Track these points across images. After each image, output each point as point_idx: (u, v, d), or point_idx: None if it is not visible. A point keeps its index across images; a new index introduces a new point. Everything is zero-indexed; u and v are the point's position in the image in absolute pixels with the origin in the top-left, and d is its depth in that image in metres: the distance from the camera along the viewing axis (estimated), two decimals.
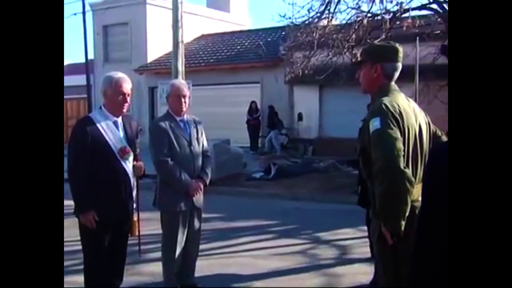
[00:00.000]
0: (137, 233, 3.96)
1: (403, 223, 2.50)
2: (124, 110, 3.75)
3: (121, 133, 3.71)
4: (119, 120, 3.73)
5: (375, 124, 2.60)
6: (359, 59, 3.03)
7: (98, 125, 3.60)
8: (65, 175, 3.49)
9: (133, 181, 3.76)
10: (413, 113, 2.81)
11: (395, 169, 2.49)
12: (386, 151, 2.53)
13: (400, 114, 2.66)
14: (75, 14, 22.01)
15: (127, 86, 3.69)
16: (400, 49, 2.88)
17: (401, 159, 2.52)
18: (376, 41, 7.49)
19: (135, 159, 3.76)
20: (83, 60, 19.43)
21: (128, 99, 3.72)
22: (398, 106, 2.69)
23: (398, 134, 2.59)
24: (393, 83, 2.88)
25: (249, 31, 22.25)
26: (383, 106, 2.65)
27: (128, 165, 3.70)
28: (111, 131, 3.64)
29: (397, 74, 2.88)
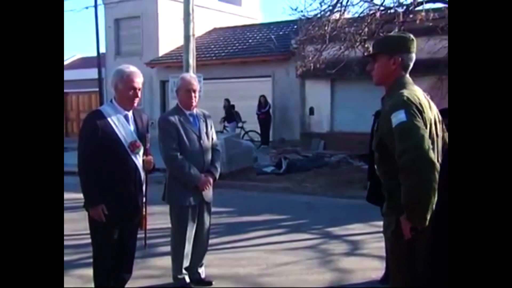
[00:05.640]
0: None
1: (429, 216, 2.45)
2: (135, 104, 3.71)
3: (132, 127, 3.67)
4: (130, 114, 3.70)
5: (400, 116, 2.53)
6: (373, 51, 2.90)
7: (108, 118, 3.57)
8: (75, 169, 3.52)
9: (143, 175, 3.73)
10: (430, 107, 2.75)
11: (427, 160, 2.44)
12: (416, 142, 2.48)
13: (421, 106, 2.61)
14: (87, 7, 22.16)
15: (138, 81, 3.64)
16: (415, 39, 2.82)
17: (431, 151, 2.48)
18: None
19: (145, 153, 3.73)
20: (94, 54, 19.48)
21: (139, 93, 3.67)
22: (418, 98, 2.64)
23: (424, 126, 2.54)
24: (408, 75, 2.82)
25: (260, 24, 22.15)
26: (405, 98, 2.59)
27: (138, 159, 3.67)
28: (121, 125, 3.61)
29: (411, 65, 2.83)
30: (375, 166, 2.90)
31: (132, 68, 3.66)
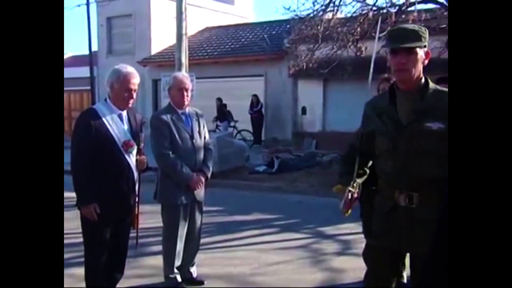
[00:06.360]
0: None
1: None
2: (130, 105, 3.70)
3: (126, 126, 3.66)
4: (124, 113, 3.69)
5: None
6: (403, 41, 2.48)
7: (102, 117, 3.56)
8: (68, 167, 3.50)
9: (136, 174, 3.73)
10: None
11: None
12: None
13: None
14: (79, 5, 22.06)
15: (135, 82, 3.62)
16: None
17: None
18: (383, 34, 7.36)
19: (138, 153, 3.72)
20: (86, 52, 19.41)
21: (135, 94, 3.66)
22: None
23: None
24: None
25: (253, 24, 22.15)
26: None
27: (132, 158, 3.66)
28: (115, 124, 3.60)
29: None
30: (417, 172, 2.56)
31: (129, 69, 3.64)
